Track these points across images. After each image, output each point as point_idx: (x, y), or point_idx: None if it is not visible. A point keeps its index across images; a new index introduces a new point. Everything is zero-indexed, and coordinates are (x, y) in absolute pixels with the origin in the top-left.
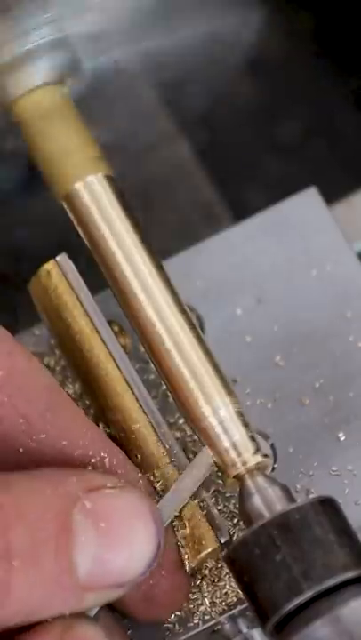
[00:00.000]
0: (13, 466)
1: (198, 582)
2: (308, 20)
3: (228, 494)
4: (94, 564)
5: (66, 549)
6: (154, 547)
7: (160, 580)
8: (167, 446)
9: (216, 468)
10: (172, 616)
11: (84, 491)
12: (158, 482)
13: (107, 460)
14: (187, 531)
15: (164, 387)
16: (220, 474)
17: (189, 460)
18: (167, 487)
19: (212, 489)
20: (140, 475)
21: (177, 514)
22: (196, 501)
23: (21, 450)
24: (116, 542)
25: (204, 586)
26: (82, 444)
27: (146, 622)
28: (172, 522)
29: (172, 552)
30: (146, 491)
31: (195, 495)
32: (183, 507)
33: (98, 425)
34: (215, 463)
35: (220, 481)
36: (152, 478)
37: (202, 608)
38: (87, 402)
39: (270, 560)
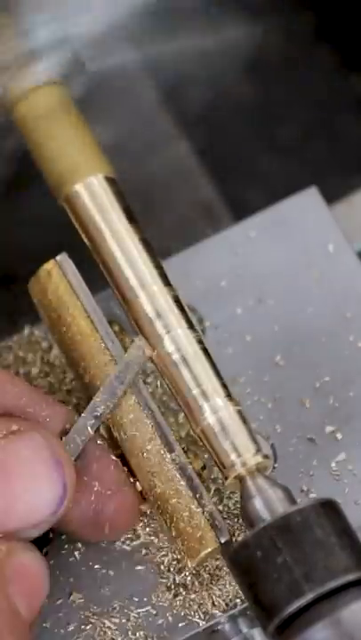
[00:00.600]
0: None
1: (199, 582)
2: (308, 20)
3: (228, 494)
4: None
5: None
6: (57, 488)
7: (105, 500)
8: (164, 443)
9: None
10: (122, 536)
11: None
12: None
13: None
14: (187, 530)
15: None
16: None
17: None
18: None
19: (213, 489)
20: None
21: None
22: (196, 502)
23: None
24: (14, 486)
25: (205, 585)
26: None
27: (98, 542)
28: (97, 430)
29: (115, 472)
30: (52, 430)
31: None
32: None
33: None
34: (216, 463)
35: (221, 481)
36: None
37: (202, 608)
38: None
39: (272, 562)
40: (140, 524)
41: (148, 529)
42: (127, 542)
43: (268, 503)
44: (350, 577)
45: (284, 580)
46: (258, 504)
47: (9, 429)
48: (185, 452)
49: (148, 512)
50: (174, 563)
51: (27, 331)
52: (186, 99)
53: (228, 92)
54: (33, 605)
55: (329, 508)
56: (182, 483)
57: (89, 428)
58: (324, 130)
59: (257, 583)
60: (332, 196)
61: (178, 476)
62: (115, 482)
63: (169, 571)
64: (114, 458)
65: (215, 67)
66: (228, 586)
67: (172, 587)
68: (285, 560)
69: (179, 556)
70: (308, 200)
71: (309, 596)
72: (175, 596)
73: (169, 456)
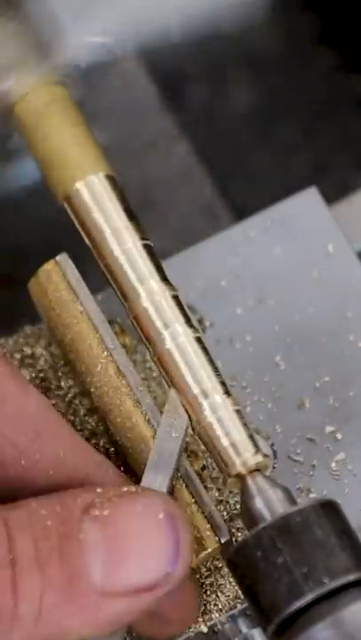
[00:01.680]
0: (6, 492)
1: (199, 582)
2: (308, 19)
3: (228, 494)
4: (107, 569)
5: (72, 556)
6: (171, 546)
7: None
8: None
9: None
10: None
11: (92, 501)
12: None
13: (99, 474)
14: None
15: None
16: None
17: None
18: None
19: (213, 489)
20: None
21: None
22: (196, 502)
23: (12, 475)
24: (126, 545)
25: (205, 586)
26: (73, 466)
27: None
28: None
29: None
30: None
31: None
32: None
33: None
34: (216, 463)
35: (221, 481)
36: None
37: (202, 608)
38: (86, 402)
39: (272, 563)
40: None
41: None
42: None
43: (268, 503)
44: (351, 577)
45: (283, 581)
46: (258, 504)
47: (118, 491)
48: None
49: None
50: None
51: (27, 330)
52: (186, 99)
53: (228, 91)
54: None
55: (329, 509)
56: (182, 483)
57: None
58: (324, 130)
59: (257, 583)
60: (332, 196)
61: (177, 477)
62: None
63: None
64: None
65: (215, 66)
66: (228, 586)
67: None
68: (285, 560)
69: None
70: (308, 200)
71: (309, 597)
72: None
73: None
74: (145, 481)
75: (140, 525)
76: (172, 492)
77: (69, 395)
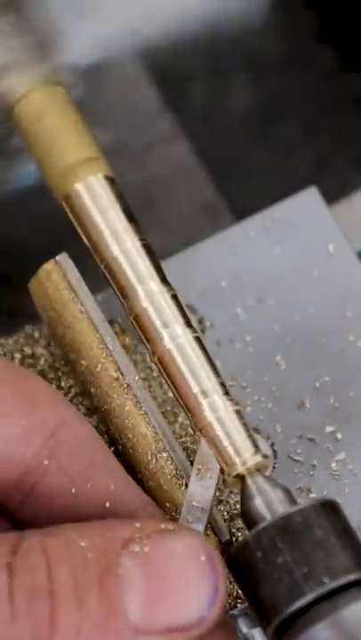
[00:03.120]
0: (52, 520)
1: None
2: (308, 19)
3: (228, 494)
4: (144, 606)
5: (111, 591)
6: (210, 589)
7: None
8: (165, 444)
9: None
10: None
11: (132, 535)
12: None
13: (144, 514)
14: None
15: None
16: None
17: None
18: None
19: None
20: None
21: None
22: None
23: (62, 504)
24: (165, 585)
25: None
26: (121, 502)
27: None
28: None
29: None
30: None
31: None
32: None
33: (97, 428)
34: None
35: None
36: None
37: None
38: (86, 402)
39: (272, 562)
40: None
41: None
42: None
43: (268, 503)
44: (351, 577)
45: (284, 581)
46: (258, 504)
47: (153, 529)
48: (184, 451)
49: None
50: None
51: (27, 330)
52: (186, 99)
53: (228, 91)
54: None
55: (329, 509)
56: (180, 484)
57: None
58: (325, 130)
59: (257, 583)
60: (332, 196)
61: (177, 476)
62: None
63: None
64: None
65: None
66: (227, 586)
67: None
68: (286, 560)
69: None
70: (308, 200)
71: (310, 597)
72: None
73: (165, 454)
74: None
75: (182, 566)
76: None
77: (69, 394)
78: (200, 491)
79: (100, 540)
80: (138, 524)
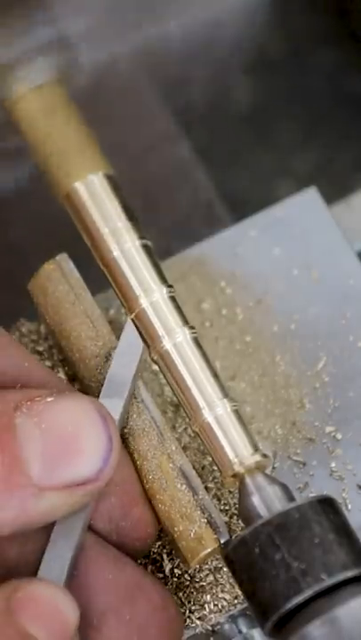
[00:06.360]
0: None
1: (198, 582)
2: (308, 19)
3: (228, 494)
4: (44, 463)
5: (10, 448)
6: (105, 443)
7: (127, 509)
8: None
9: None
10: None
11: (25, 399)
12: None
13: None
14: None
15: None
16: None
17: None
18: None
19: (213, 489)
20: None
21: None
22: (195, 500)
23: None
24: (62, 441)
25: (205, 585)
26: (17, 374)
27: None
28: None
29: (132, 484)
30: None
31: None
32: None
33: None
34: (215, 462)
35: (221, 480)
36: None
37: (201, 608)
38: None
39: (269, 559)
40: None
41: None
42: None
43: (266, 500)
44: (348, 574)
45: (281, 577)
46: (256, 501)
47: (50, 392)
48: (184, 451)
49: None
50: (174, 563)
51: (23, 329)
52: (186, 99)
53: (228, 91)
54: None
55: (327, 506)
56: (181, 482)
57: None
58: (325, 130)
59: (255, 580)
60: (332, 196)
61: (177, 475)
62: (138, 493)
63: (168, 571)
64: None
65: (215, 66)
66: (227, 586)
67: (172, 587)
68: (283, 557)
69: (178, 557)
70: (308, 200)
71: (307, 593)
72: (174, 595)
73: (166, 456)
74: None
75: (76, 422)
76: (126, 418)
77: None
78: (121, 369)
79: None
80: (32, 391)
